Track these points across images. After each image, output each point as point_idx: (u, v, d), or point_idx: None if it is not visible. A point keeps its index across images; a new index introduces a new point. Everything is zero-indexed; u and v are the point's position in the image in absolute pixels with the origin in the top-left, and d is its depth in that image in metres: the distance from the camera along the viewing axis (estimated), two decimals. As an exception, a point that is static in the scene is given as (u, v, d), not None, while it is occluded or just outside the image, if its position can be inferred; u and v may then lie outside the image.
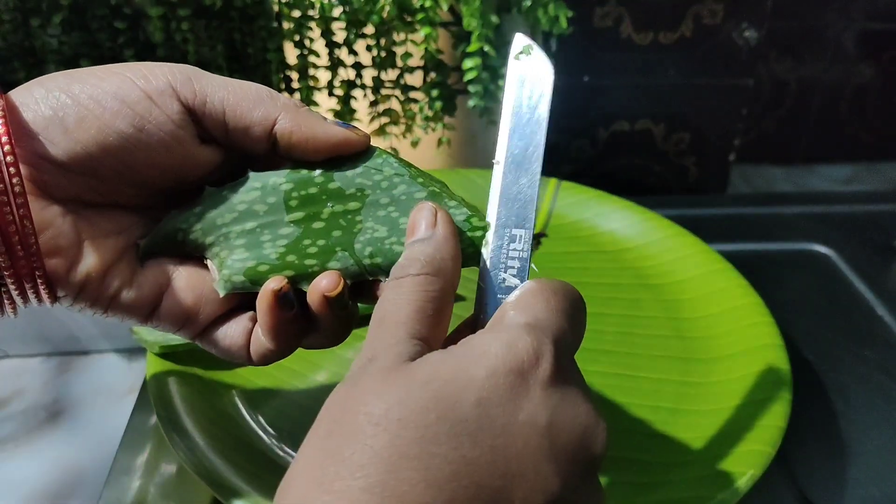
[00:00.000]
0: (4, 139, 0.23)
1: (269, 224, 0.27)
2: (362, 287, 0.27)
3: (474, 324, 0.25)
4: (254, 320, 0.28)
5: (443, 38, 0.60)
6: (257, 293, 0.27)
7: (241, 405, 0.39)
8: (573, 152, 0.70)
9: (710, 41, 0.65)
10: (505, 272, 0.25)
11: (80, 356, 0.50)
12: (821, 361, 0.47)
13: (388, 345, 0.21)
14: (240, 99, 0.26)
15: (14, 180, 0.23)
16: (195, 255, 0.28)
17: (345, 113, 0.61)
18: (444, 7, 0.54)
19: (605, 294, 0.48)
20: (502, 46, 0.58)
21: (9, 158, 0.23)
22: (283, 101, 0.26)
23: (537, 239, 0.54)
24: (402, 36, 0.57)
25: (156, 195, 0.27)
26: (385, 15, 0.56)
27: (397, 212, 0.26)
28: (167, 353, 0.40)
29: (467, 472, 0.18)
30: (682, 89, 0.68)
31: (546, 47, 0.64)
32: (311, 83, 0.60)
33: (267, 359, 0.28)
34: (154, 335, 0.40)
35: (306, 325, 0.27)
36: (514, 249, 0.25)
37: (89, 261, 0.26)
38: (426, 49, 0.57)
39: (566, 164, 0.71)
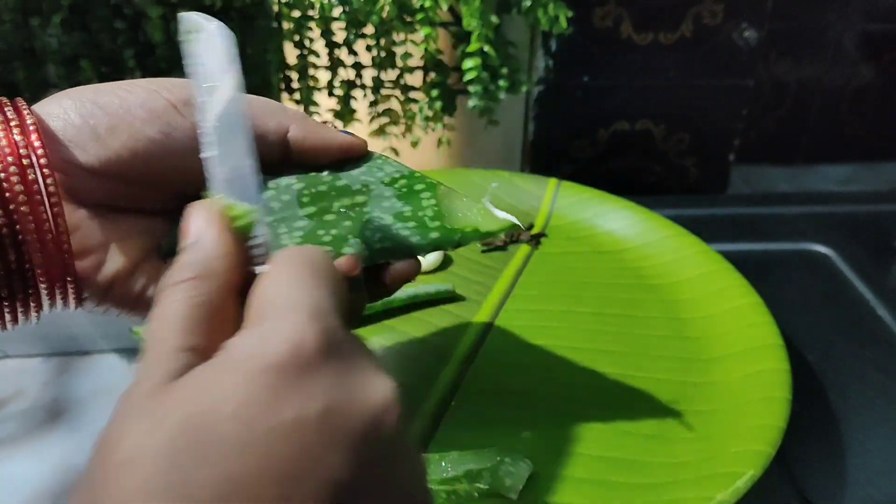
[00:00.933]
0: (37, 143, 0.24)
1: (285, 219, 0.28)
2: (371, 273, 0.29)
3: None
4: None
5: (443, 39, 0.60)
6: None
7: (240, 405, 0.39)
8: (573, 152, 0.70)
9: (710, 42, 0.65)
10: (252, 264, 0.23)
11: (81, 356, 0.50)
12: (820, 361, 0.47)
13: (151, 365, 0.19)
14: (255, 110, 0.28)
15: (48, 181, 0.24)
16: None
17: (345, 113, 0.61)
18: (444, 7, 0.54)
19: (604, 294, 0.49)
20: (502, 47, 0.58)
21: (42, 161, 0.24)
22: (292, 111, 0.29)
23: (537, 239, 0.54)
24: (401, 36, 0.58)
25: (177, 199, 0.28)
26: (385, 15, 0.56)
27: (400, 202, 0.29)
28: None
29: (234, 491, 0.17)
30: (682, 90, 0.68)
31: (546, 47, 0.64)
32: (311, 83, 0.60)
33: None
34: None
35: None
36: (254, 236, 0.23)
37: (117, 261, 0.27)
38: (426, 49, 0.57)
39: (566, 165, 0.71)
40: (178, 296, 0.21)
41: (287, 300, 0.20)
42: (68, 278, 0.26)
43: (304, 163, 0.29)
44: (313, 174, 0.29)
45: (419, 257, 0.29)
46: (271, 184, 0.29)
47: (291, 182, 0.29)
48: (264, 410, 0.18)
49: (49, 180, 0.25)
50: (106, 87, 0.26)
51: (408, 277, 0.29)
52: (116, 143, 0.25)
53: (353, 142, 0.30)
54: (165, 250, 0.28)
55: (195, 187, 0.27)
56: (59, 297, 0.26)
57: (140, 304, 0.28)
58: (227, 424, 0.17)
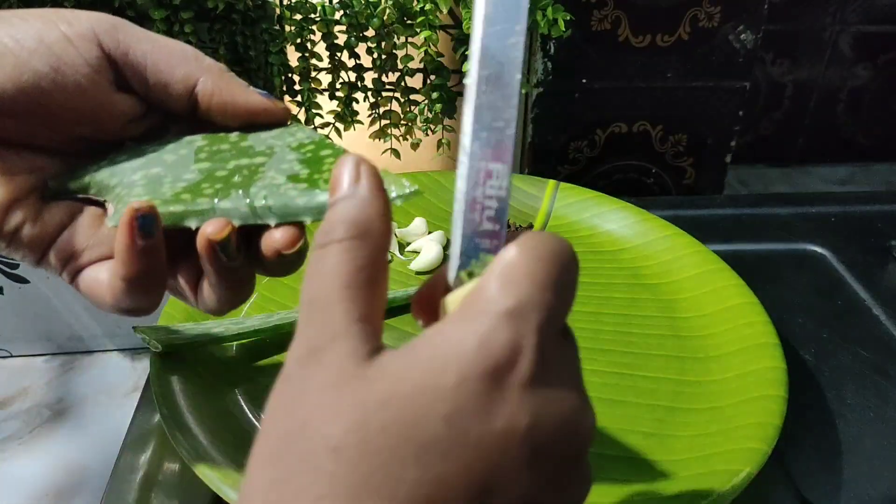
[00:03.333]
0: None
1: (174, 171, 0.27)
2: (252, 239, 0.26)
3: (445, 279, 0.22)
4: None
5: (443, 41, 0.61)
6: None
7: (244, 404, 0.39)
8: (571, 154, 0.71)
9: (707, 44, 0.66)
10: (482, 214, 0.21)
11: (84, 355, 0.50)
12: (816, 360, 0.47)
13: (328, 337, 0.19)
14: (164, 55, 0.26)
15: None
16: (99, 201, 0.27)
17: (346, 115, 0.61)
18: (444, 10, 0.54)
19: (602, 294, 0.49)
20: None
21: None
22: (207, 63, 0.26)
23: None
24: (402, 39, 0.58)
25: (76, 141, 0.27)
26: (386, 18, 0.56)
27: (300, 165, 0.26)
28: (170, 351, 0.40)
29: (439, 494, 0.17)
30: (680, 91, 0.68)
31: (545, 49, 0.65)
32: (313, 85, 0.60)
33: (118, 295, 0.25)
34: (158, 334, 0.40)
35: (178, 271, 0.26)
36: (491, 187, 0.21)
37: None
38: (426, 52, 0.57)
39: (564, 166, 0.71)
40: (340, 256, 0.20)
41: (518, 304, 0.18)
42: None
43: (213, 122, 0.27)
44: (221, 133, 0.27)
45: (306, 222, 0.25)
46: (174, 137, 0.27)
47: (195, 138, 0.27)
48: (476, 416, 0.17)
49: None
50: (4, 14, 0.25)
51: (283, 247, 0.25)
52: (0, 74, 0.24)
53: (267, 107, 0.27)
54: (51, 191, 0.27)
55: (89, 128, 0.26)
56: None
57: (14, 243, 0.26)
58: (440, 426, 0.17)
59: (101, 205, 0.28)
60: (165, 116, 0.28)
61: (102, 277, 0.26)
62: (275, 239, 0.25)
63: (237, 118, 0.27)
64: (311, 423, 0.17)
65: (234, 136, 0.27)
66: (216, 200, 0.25)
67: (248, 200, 0.25)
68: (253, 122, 0.27)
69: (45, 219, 0.27)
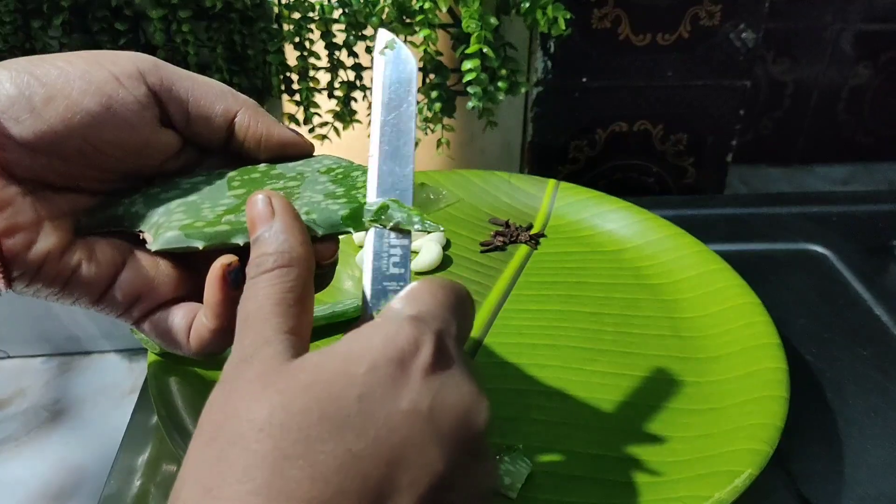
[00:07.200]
0: None
1: (211, 198, 0.28)
2: None
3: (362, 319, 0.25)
4: (196, 309, 0.28)
5: (442, 40, 0.60)
6: (203, 273, 0.26)
7: (241, 405, 0.39)
8: (571, 153, 0.71)
9: (707, 43, 0.65)
10: (388, 260, 0.26)
11: (82, 356, 0.50)
12: (818, 360, 0.47)
13: (258, 344, 0.22)
14: (204, 91, 0.28)
15: None
16: (134, 232, 0.28)
17: (345, 114, 0.61)
18: (444, 9, 0.54)
19: (603, 294, 0.49)
20: (501, 48, 0.59)
21: None
22: (242, 98, 0.28)
23: (536, 239, 0.54)
24: (401, 38, 0.58)
25: (116, 179, 0.28)
26: (384, 17, 0.56)
27: (333, 184, 0.28)
28: (168, 352, 0.40)
29: (353, 465, 0.19)
30: (680, 90, 0.68)
31: (545, 48, 0.65)
32: (312, 84, 0.60)
33: (205, 343, 0.27)
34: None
35: None
36: (395, 236, 0.26)
37: (49, 240, 0.25)
38: (425, 51, 0.57)
39: (565, 165, 0.71)
40: (271, 282, 0.23)
41: (420, 312, 0.22)
42: None
43: (245, 154, 0.29)
44: (249, 167, 0.29)
45: (351, 233, 0.27)
46: (203, 171, 0.29)
47: (225, 171, 0.29)
48: (385, 397, 0.20)
49: None
50: (45, 58, 0.25)
51: (322, 258, 0.26)
52: (52, 115, 0.24)
53: (297, 140, 0.29)
54: (83, 226, 0.27)
55: (132, 165, 0.27)
56: None
57: (72, 285, 0.26)
58: (353, 405, 0.20)
59: (136, 237, 0.28)
60: (200, 152, 0.30)
61: (179, 324, 0.28)
62: (315, 250, 0.26)
63: (269, 150, 0.29)
64: (240, 410, 0.20)
65: (262, 166, 0.29)
66: None
67: None
68: (282, 155, 0.29)
69: (100, 258, 0.27)
